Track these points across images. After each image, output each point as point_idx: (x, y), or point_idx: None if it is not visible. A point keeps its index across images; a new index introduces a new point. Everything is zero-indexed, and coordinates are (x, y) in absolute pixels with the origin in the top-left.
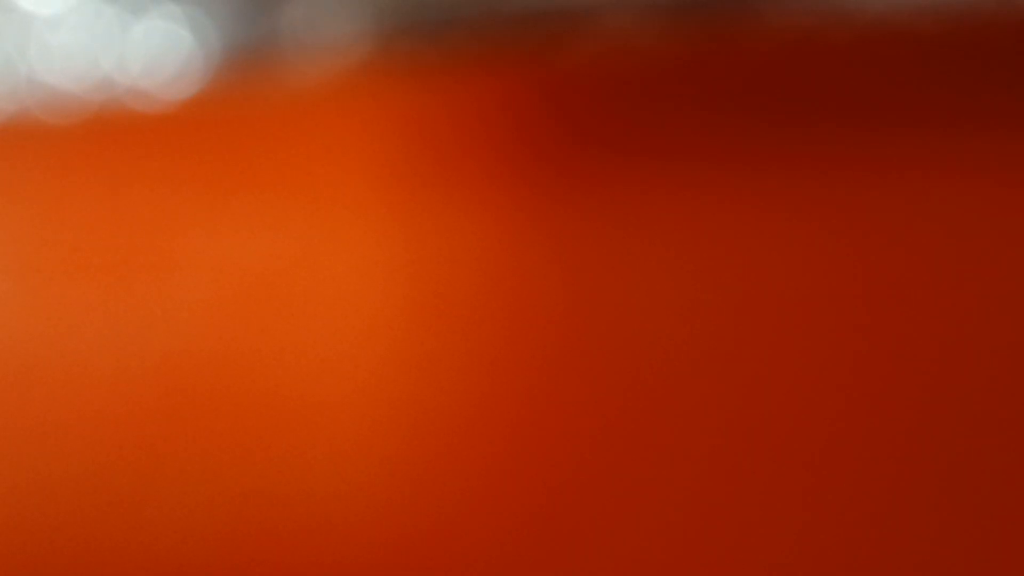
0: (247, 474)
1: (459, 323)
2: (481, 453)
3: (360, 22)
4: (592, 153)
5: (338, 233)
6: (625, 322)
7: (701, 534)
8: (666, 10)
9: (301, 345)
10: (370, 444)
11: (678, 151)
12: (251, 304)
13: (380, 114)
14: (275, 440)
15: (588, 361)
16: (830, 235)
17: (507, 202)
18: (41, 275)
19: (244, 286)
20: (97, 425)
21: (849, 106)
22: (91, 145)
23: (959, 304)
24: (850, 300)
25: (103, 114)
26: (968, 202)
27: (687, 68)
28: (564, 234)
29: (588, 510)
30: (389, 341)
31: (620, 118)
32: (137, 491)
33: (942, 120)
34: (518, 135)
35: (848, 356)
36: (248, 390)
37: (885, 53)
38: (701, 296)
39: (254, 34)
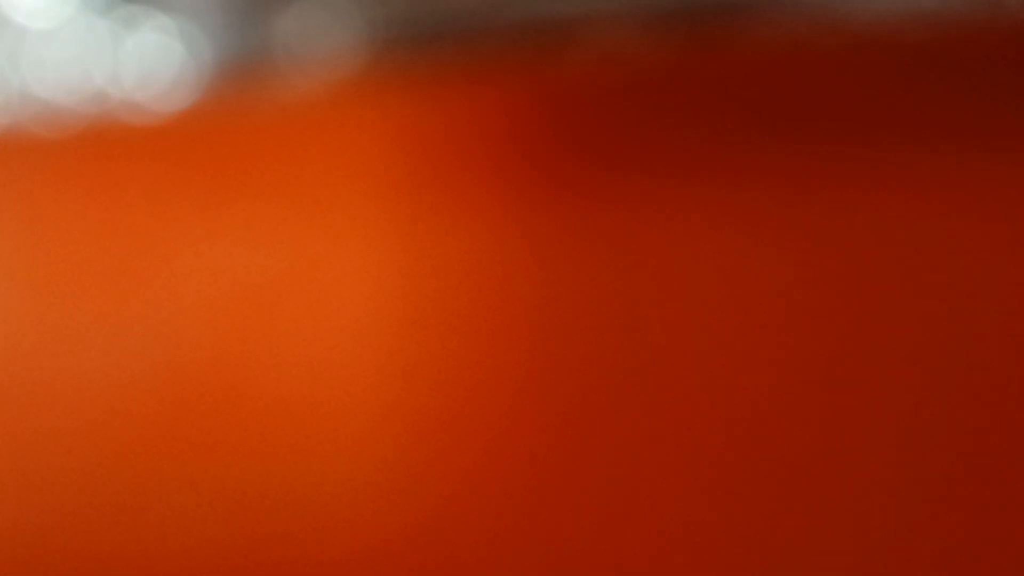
0: (245, 478)
1: (452, 330)
2: (473, 455)
3: (353, 34)
4: (585, 163)
5: (332, 242)
6: (616, 328)
7: (690, 529)
8: (659, 22)
9: (297, 352)
10: (366, 447)
11: (670, 161)
12: (246, 313)
13: (374, 125)
14: (272, 445)
15: (580, 365)
16: (823, 242)
17: (500, 211)
18: (36, 287)
19: (238, 295)
20: (94, 433)
21: (843, 115)
22: (85, 158)
23: (954, 309)
24: (843, 308)
25: (97, 127)
26: (960, 209)
27: (680, 79)
28: (557, 242)
29: (579, 508)
30: (383, 348)
31: (613, 128)
32: (136, 496)
33: (932, 128)
34: (511, 145)
35: (835, 363)
36: (244, 397)
37: (877, 63)
38: (693, 303)
39: (247, 46)
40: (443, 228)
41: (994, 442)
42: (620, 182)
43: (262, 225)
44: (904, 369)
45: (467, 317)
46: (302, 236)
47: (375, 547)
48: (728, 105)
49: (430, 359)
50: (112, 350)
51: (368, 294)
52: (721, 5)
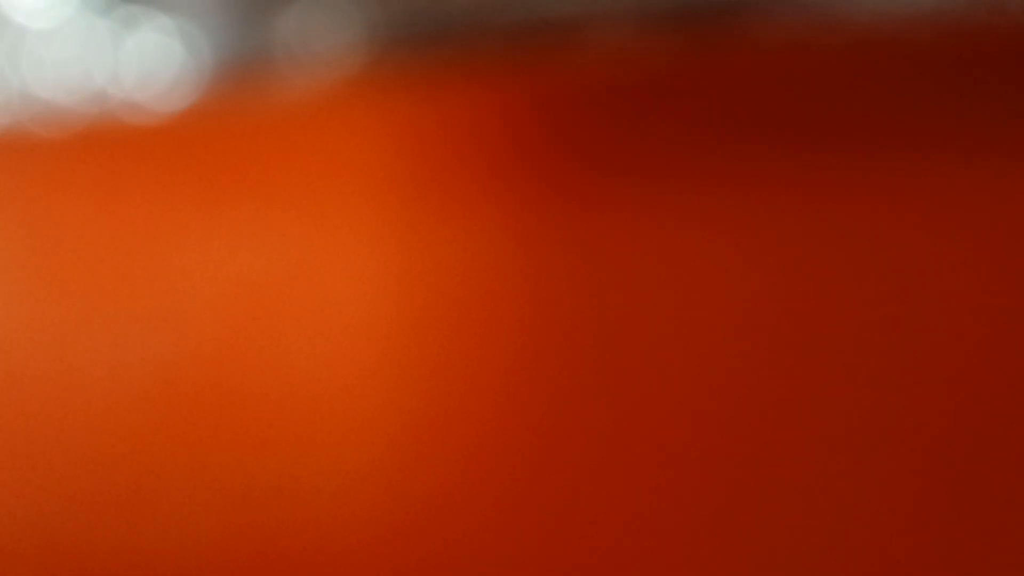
0: (244, 476)
1: (450, 330)
2: (470, 454)
3: (353, 34)
4: (584, 164)
5: (331, 244)
6: (612, 330)
7: (682, 529)
8: (658, 22)
9: (295, 351)
10: (364, 446)
11: (670, 162)
12: (245, 314)
13: (373, 125)
14: (271, 443)
15: (577, 366)
16: (823, 245)
17: (499, 212)
18: (36, 288)
19: (238, 297)
20: (94, 433)
21: (843, 117)
22: (85, 158)
23: (953, 311)
24: (845, 311)
25: (97, 127)
26: (961, 211)
27: (679, 80)
28: (555, 243)
29: (573, 506)
30: (381, 347)
31: (612, 129)
32: (135, 494)
33: (933, 129)
34: (510, 146)
35: (834, 367)
36: (243, 395)
37: (877, 63)
38: (693, 306)
39: (247, 46)
40: (442, 228)
41: (990, 444)
42: (619, 184)
43: (262, 225)
44: (904, 373)
45: (464, 317)
46: (301, 236)
47: (373, 543)
48: (727, 107)
49: (427, 358)
50: (112, 349)
51: (366, 294)
52: (720, 6)
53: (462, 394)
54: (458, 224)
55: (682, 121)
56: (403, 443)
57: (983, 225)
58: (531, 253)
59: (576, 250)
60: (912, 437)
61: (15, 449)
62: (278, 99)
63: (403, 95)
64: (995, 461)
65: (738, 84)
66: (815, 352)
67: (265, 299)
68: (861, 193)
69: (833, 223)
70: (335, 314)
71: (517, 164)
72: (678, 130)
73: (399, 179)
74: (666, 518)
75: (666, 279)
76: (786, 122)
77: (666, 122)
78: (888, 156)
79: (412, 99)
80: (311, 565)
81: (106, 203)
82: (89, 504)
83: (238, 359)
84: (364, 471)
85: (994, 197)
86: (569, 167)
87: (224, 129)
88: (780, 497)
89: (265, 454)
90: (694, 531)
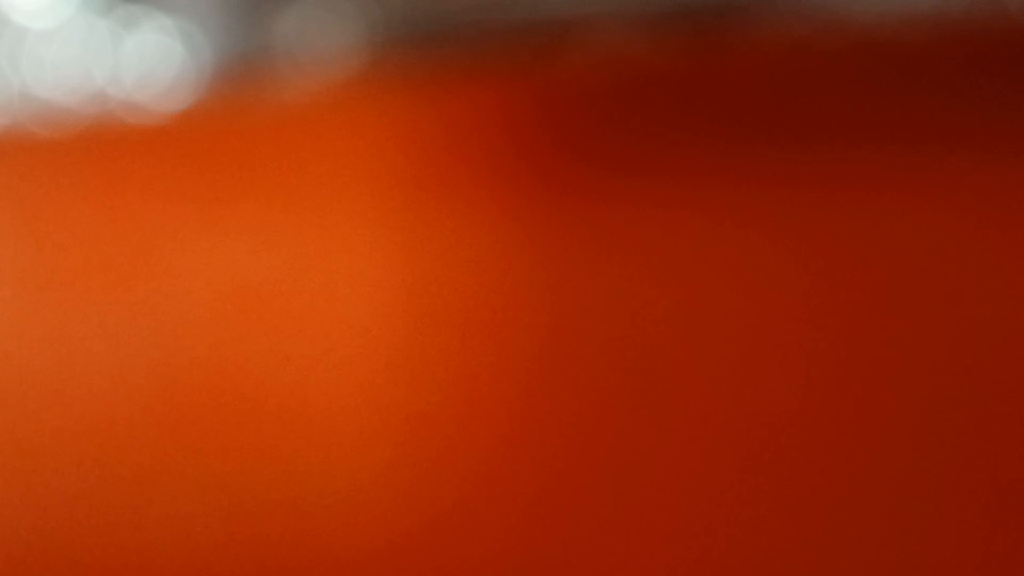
0: (245, 478)
1: (451, 329)
2: (475, 456)
3: (354, 34)
4: (584, 163)
5: (331, 242)
6: (615, 328)
7: (695, 536)
8: (658, 23)
9: (296, 352)
10: (366, 449)
11: (670, 161)
12: (246, 313)
13: (374, 125)
14: (272, 445)
15: (578, 366)
16: (823, 243)
17: (500, 210)
18: (36, 286)
19: (239, 295)
20: (94, 433)
21: (843, 117)
22: (85, 158)
23: (955, 309)
24: (843, 308)
25: (97, 127)
26: (961, 210)
27: (679, 80)
28: (556, 242)
29: (582, 512)
30: (382, 347)
31: (612, 129)
32: (136, 496)
33: (933, 129)
34: (511, 145)
35: (838, 364)
36: (244, 396)
37: (877, 64)
38: (691, 304)
39: (247, 46)
40: (442, 228)
41: (996, 442)
42: (619, 182)
43: (263, 223)
44: (907, 370)
45: (466, 316)
46: (302, 236)
47: (376, 549)
48: (727, 106)
49: (429, 358)
50: (112, 350)
51: (367, 293)
52: (720, 6)
53: (466, 394)
54: (458, 223)
55: (682, 120)
56: (406, 443)
57: (984, 223)
58: (532, 251)
59: (576, 248)
60: (911, 431)
61: (15, 449)
62: (278, 99)
63: (404, 94)
64: (1000, 459)
65: (738, 84)
66: (814, 348)
67: (265, 298)
68: (861, 191)
69: (833, 221)
70: (336, 312)
71: (517, 163)
72: (678, 129)
73: (399, 178)
74: (680, 524)
75: (666, 277)
76: (786, 121)
77: (666, 121)
78: (888, 155)
79: (413, 98)
80: (315, 570)
81: (106, 202)
82: (89, 504)
83: (239, 358)
84: (365, 472)
85: (994, 196)
86: (570, 165)
87: (224, 129)
88: (782, 496)
89: (267, 455)
90: (707, 537)
